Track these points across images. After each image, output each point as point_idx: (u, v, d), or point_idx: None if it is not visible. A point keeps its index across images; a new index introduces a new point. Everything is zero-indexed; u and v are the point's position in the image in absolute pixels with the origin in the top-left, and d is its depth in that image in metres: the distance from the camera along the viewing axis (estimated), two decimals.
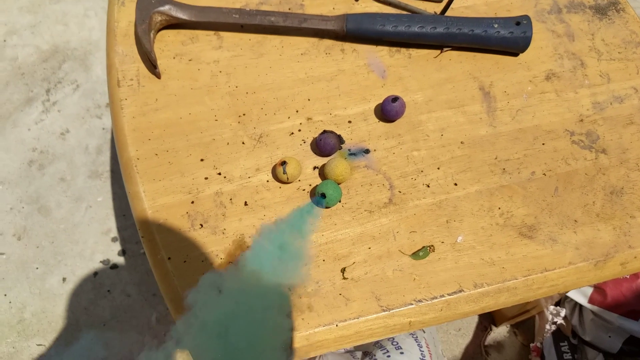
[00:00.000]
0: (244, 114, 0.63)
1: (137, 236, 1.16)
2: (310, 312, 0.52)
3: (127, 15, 0.69)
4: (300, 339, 0.51)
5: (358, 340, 0.53)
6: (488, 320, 1.09)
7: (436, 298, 0.53)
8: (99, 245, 1.13)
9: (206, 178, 0.59)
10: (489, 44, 0.67)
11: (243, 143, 0.61)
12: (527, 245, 0.56)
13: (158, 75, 0.65)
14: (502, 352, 1.07)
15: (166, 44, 0.67)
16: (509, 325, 1.10)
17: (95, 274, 1.11)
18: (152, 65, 0.65)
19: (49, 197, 1.19)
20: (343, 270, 0.54)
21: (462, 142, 0.62)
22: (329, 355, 0.79)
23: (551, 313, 1.02)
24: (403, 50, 0.69)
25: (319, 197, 0.55)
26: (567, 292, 0.57)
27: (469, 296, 0.54)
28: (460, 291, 0.53)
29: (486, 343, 1.07)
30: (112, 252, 1.13)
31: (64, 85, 1.32)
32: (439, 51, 0.69)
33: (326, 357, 0.79)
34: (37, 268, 1.12)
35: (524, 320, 1.08)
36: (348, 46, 0.69)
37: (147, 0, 0.65)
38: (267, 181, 0.59)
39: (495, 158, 0.62)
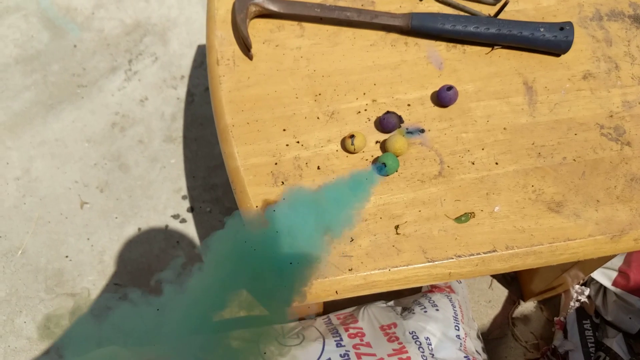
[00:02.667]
0: (319, 94, 0.75)
1: (204, 196, 1.30)
2: (368, 257, 0.64)
3: (225, 4, 0.82)
4: (358, 278, 0.63)
5: (405, 284, 0.65)
6: (517, 295, 1.19)
7: (473, 255, 0.64)
8: (170, 202, 1.28)
9: (287, 145, 0.71)
10: (534, 45, 0.77)
11: (318, 118, 0.73)
12: (554, 218, 0.66)
13: (250, 57, 0.77)
14: (528, 324, 1.17)
15: (257, 31, 0.80)
16: (536, 301, 1.20)
17: (166, 226, 1.27)
18: (246, 49, 0.77)
19: (129, 156, 1.34)
20: (397, 227, 0.66)
21: (504, 128, 0.73)
22: (373, 308, 0.92)
23: (576, 292, 1.12)
24: (459, 46, 0.80)
25: (380, 165, 0.67)
26: (585, 259, 0.67)
27: (501, 256, 0.65)
28: (493, 251, 0.65)
29: (514, 315, 1.18)
30: (182, 209, 1.28)
31: (144, 57, 1.47)
32: (490, 49, 0.79)
33: (370, 309, 0.91)
34: (116, 217, 1.28)
35: (550, 297, 1.18)
36: (411, 40, 0.80)
37: None
38: (337, 150, 0.71)
39: (533, 144, 0.72)
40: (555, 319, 1.12)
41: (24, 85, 1.47)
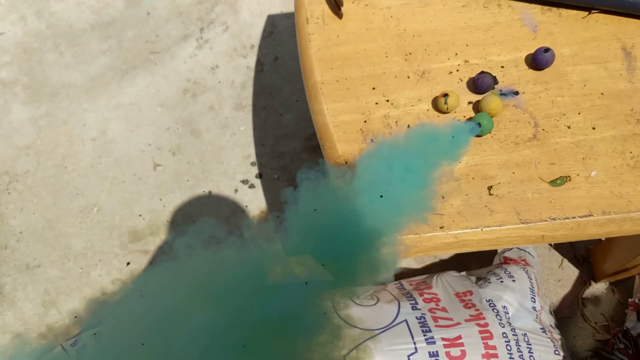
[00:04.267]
0: (409, 53, 0.74)
1: (272, 163, 1.32)
2: (460, 216, 0.64)
3: None
4: (449, 236, 0.63)
5: (496, 245, 0.64)
6: (588, 275, 1.16)
7: (568, 218, 0.63)
8: (239, 167, 1.31)
9: (376, 103, 0.71)
10: (634, 10, 0.74)
11: (408, 77, 0.73)
12: None
13: (340, 16, 0.77)
14: (598, 306, 1.14)
15: None
16: (607, 283, 1.16)
17: (236, 190, 1.29)
18: (336, 7, 0.77)
19: (200, 122, 1.37)
20: (489, 187, 0.65)
21: (602, 94, 0.70)
22: (447, 276, 0.91)
23: None
24: (554, 9, 0.77)
25: (475, 125, 0.66)
26: None
27: (597, 221, 0.63)
28: (589, 215, 0.63)
29: (584, 296, 1.15)
30: (251, 174, 1.30)
31: (215, 26, 1.49)
32: (586, 13, 0.77)
33: (444, 277, 0.91)
34: (187, 180, 1.31)
35: (623, 279, 1.15)
36: (504, 2, 0.78)
37: None
38: (427, 110, 0.70)
39: (631, 110, 0.69)
40: (630, 300, 1.08)
41: (99, 51, 1.52)
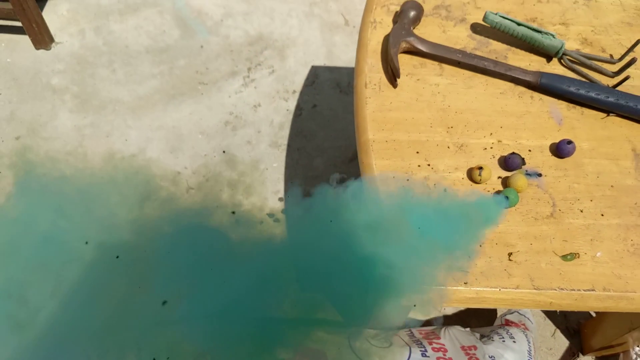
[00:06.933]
0: (451, 127, 0.86)
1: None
2: (482, 275, 0.73)
3: (376, 37, 0.94)
4: (471, 292, 0.72)
5: (511, 305, 0.74)
6: (577, 347, 1.25)
7: (574, 290, 0.73)
8: (268, 202, 1.41)
9: (419, 166, 0.82)
10: None
11: (448, 147, 0.84)
12: None
13: (395, 86, 0.89)
14: None
15: (402, 64, 0.91)
16: (594, 357, 1.25)
17: (261, 222, 1.38)
18: (392, 78, 0.89)
19: (236, 153, 1.48)
20: (510, 254, 0.75)
21: (612, 186, 0.81)
22: (454, 330, 1.00)
23: (636, 353, 1.17)
24: (577, 107, 0.89)
25: (503, 198, 0.76)
26: None
27: (598, 295, 0.73)
28: (592, 290, 0.73)
29: None
30: (277, 210, 1.40)
31: (262, 68, 1.62)
32: (605, 115, 0.88)
33: (451, 330, 1.00)
34: (216, 206, 1.41)
35: (609, 354, 1.23)
36: (536, 95, 0.90)
37: (399, 31, 0.90)
38: (462, 178, 0.81)
39: (635, 204, 0.80)
40: None
41: (151, 73, 1.64)
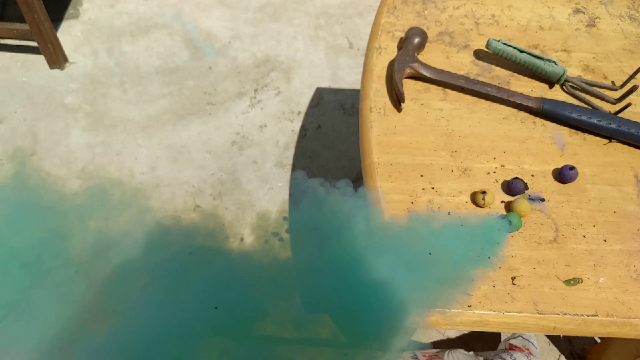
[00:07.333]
0: (455, 151, 0.87)
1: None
2: (485, 299, 0.74)
3: (381, 62, 0.96)
4: (475, 315, 0.73)
5: (514, 329, 0.74)
6: None
7: (577, 315, 0.73)
8: (272, 220, 1.42)
9: (423, 189, 0.83)
10: None
11: (452, 171, 0.85)
12: None
13: (399, 110, 0.90)
14: None
15: (407, 89, 0.93)
16: None
17: (266, 241, 1.40)
18: (397, 102, 0.90)
19: (242, 172, 1.50)
20: (513, 278, 0.76)
21: (614, 212, 0.82)
22: (457, 353, 1.00)
23: None
24: (580, 133, 0.90)
25: (506, 222, 0.77)
26: None
27: (601, 321, 0.73)
28: (595, 315, 0.73)
29: None
30: (282, 229, 1.41)
31: (269, 89, 1.65)
32: (607, 141, 0.90)
33: (455, 354, 1.00)
34: (222, 225, 1.42)
35: None
36: (538, 121, 0.91)
37: (404, 57, 0.92)
38: (466, 202, 0.82)
39: (638, 230, 0.81)
40: None
41: (160, 94, 1.67)
